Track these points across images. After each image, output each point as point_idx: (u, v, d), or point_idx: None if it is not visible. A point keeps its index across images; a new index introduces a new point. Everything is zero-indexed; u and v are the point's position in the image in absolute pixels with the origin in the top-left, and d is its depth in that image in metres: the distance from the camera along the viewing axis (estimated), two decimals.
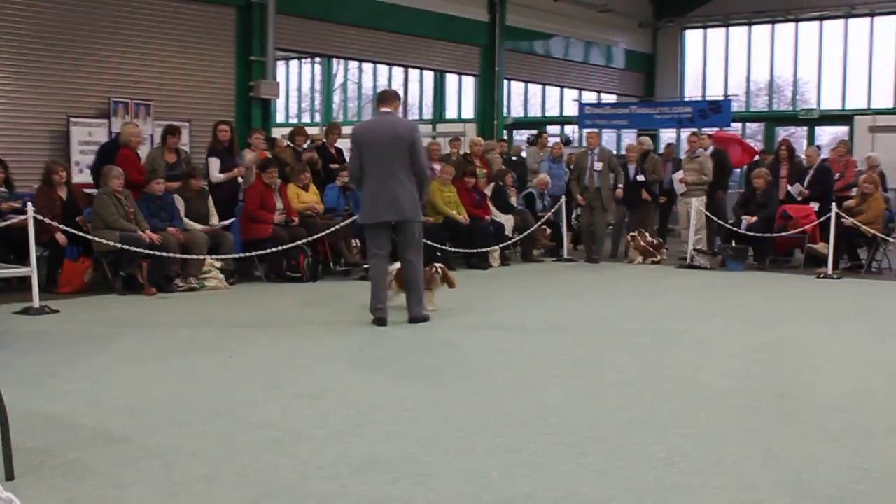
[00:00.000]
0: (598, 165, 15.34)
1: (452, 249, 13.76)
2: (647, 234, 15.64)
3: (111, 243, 10.59)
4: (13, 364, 6.88)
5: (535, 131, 23.03)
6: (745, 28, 26.76)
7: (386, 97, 9.29)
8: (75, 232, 10.73)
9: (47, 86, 13.99)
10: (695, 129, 20.19)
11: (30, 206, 9.98)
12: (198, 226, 11.78)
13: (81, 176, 13.37)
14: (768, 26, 26.38)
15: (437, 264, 10.03)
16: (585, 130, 23.20)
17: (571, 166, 16.50)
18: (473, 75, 22.81)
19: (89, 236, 10.75)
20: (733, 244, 14.79)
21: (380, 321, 8.84)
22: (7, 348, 7.37)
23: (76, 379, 6.65)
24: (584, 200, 15.41)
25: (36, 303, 9.44)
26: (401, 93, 25.77)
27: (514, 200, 15.77)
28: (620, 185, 15.70)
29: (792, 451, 5.07)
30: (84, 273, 11.12)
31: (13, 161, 12.26)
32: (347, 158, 14.28)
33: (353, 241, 13.00)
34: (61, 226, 10.64)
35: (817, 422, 5.72)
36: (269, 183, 12.34)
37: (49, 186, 11.22)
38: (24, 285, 9.94)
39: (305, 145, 14.30)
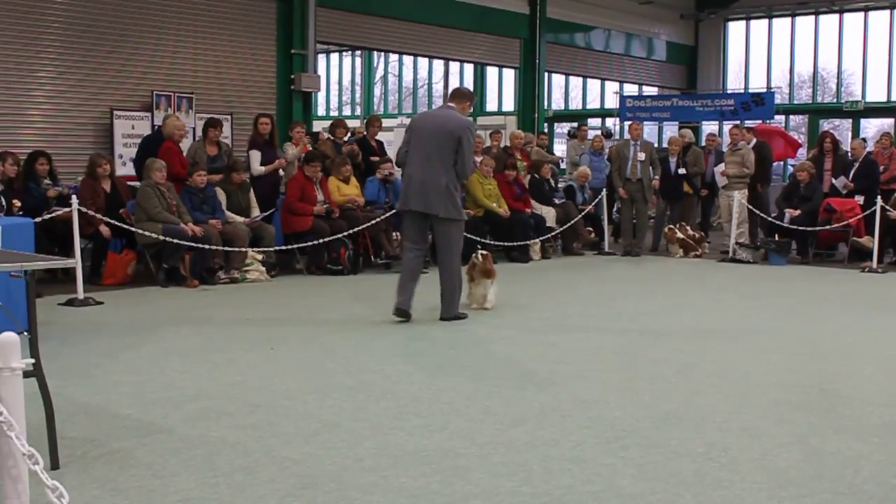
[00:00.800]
0: (641, 156, 15.22)
1: (493, 242, 13.75)
2: (687, 227, 15.56)
3: (154, 235, 10.69)
4: (58, 355, 6.96)
5: (575, 124, 22.95)
6: (789, 19, 26.52)
7: (455, 93, 9.20)
8: (119, 224, 10.85)
9: (91, 79, 14.16)
10: (737, 122, 20.05)
11: (74, 199, 10.09)
12: (239, 218, 11.86)
13: (125, 168, 13.51)
14: (812, 17, 26.14)
15: (481, 251, 9.78)
16: (628, 122, 23.16)
17: (611, 159, 16.42)
18: (514, 68, 22.79)
19: (133, 228, 10.86)
20: (776, 238, 14.68)
21: (398, 312, 8.64)
22: (52, 339, 7.46)
23: (119, 370, 6.72)
24: (627, 193, 15.29)
25: (80, 294, 9.55)
26: (440, 86, 25.87)
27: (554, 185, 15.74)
28: (656, 177, 15.55)
29: (833, 447, 5.03)
30: (127, 265, 11.24)
31: (57, 153, 12.42)
32: (388, 151, 14.37)
33: (394, 233, 13.01)
34: (105, 218, 10.75)
35: (859, 417, 5.67)
36: (310, 176, 12.40)
37: (93, 179, 11.34)
38: (69, 277, 10.07)
39: (346, 138, 14.34)
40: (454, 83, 28.89)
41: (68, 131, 13.86)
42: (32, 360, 4.41)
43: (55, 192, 11.24)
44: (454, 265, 8.87)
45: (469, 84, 29.84)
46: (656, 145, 19.16)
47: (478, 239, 13.15)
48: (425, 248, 9.24)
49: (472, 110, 9.45)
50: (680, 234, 15.28)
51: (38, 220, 9.76)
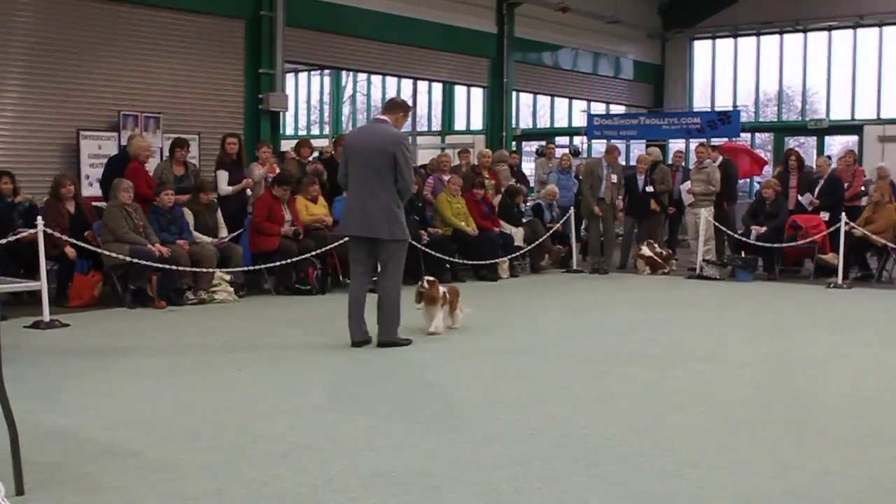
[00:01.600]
0: (614, 178, 15.35)
1: (461, 261, 13.76)
2: (655, 244, 15.63)
3: (121, 257, 10.61)
4: (23, 378, 6.88)
5: (543, 143, 23.03)
6: (754, 38, 26.76)
7: (387, 105, 8.91)
8: (85, 245, 10.76)
9: (57, 98, 14.05)
10: (703, 140, 20.19)
11: (39, 220, 10.00)
12: (207, 238, 11.81)
13: (91, 189, 13.41)
14: (777, 37, 26.37)
15: (427, 279, 9.30)
16: (595, 148, 23.27)
17: (580, 176, 16.49)
18: (482, 87, 22.84)
19: (99, 250, 10.78)
20: (743, 254, 14.78)
21: (356, 345, 8.39)
22: (17, 362, 7.37)
23: (86, 393, 6.66)
24: (602, 211, 15.33)
25: (46, 317, 9.45)
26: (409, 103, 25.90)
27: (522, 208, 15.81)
28: (620, 196, 15.66)
29: (801, 461, 5.06)
30: (94, 287, 11.15)
31: (23, 174, 12.33)
32: None
33: None
34: (70, 239, 10.66)
35: (827, 432, 5.70)
36: (278, 196, 12.36)
37: (57, 200, 11.25)
38: (35, 299, 9.97)
39: (311, 158, 14.31)
40: (422, 102, 28.99)
41: (34, 151, 13.74)
42: None
43: (24, 196, 11.18)
44: (394, 285, 8.53)
45: (437, 103, 29.96)
46: (624, 163, 19.23)
47: (446, 258, 13.19)
48: (371, 271, 8.94)
49: (407, 121, 8.98)
50: (648, 252, 15.34)
51: (3, 241, 9.68)
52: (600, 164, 15.57)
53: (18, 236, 10.28)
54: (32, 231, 9.95)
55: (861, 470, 4.94)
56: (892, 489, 4.67)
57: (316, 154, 14.59)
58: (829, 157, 16.37)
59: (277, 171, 13.15)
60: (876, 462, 5.09)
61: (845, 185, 15.35)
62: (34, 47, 13.78)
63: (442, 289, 9.26)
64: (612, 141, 19.63)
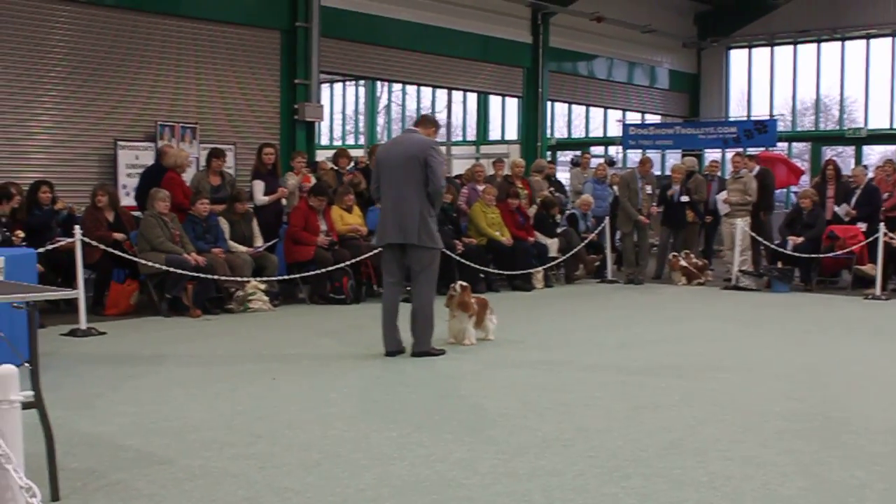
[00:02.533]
0: (648, 188, 15.43)
1: (496, 271, 13.76)
2: (691, 255, 15.57)
3: (157, 265, 10.70)
4: (60, 385, 6.96)
5: (578, 152, 22.99)
6: (791, 47, 26.58)
7: (421, 120, 9.01)
8: (121, 254, 10.84)
9: (95, 109, 14.19)
10: (739, 150, 20.07)
11: (77, 229, 10.09)
12: (242, 248, 11.88)
13: (128, 199, 13.53)
14: (814, 45, 26.18)
15: (460, 283, 9.39)
16: (631, 158, 23.19)
17: (615, 187, 16.48)
18: (517, 97, 22.84)
19: (135, 258, 10.87)
20: (779, 265, 14.67)
21: (389, 354, 8.49)
22: (54, 370, 7.45)
23: (121, 400, 6.72)
24: (648, 219, 15.40)
25: (83, 325, 9.55)
26: (443, 115, 25.96)
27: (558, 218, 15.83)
28: (654, 205, 15.74)
29: (836, 475, 5.01)
30: (130, 295, 11.25)
31: (61, 184, 12.46)
32: None
33: None
34: (108, 248, 10.73)
35: (862, 445, 5.65)
36: (314, 206, 12.42)
37: (97, 209, 11.37)
38: (72, 307, 10.07)
39: (349, 167, 14.37)
40: (457, 112, 29.03)
41: (72, 162, 13.88)
42: (32, 393, 4.41)
43: (63, 204, 11.31)
44: (427, 296, 8.59)
45: (472, 113, 29.98)
46: (658, 173, 19.18)
47: (480, 268, 13.18)
48: (403, 281, 8.99)
49: (437, 138, 9.04)
50: (683, 262, 15.28)
51: (42, 250, 9.78)
52: (634, 175, 15.56)
53: (57, 245, 10.38)
54: (70, 240, 10.05)
55: None
56: None
57: (352, 164, 14.64)
58: (865, 167, 16.21)
59: (312, 180, 13.22)
60: None
61: (885, 195, 15.21)
62: (73, 58, 13.93)
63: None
64: (647, 151, 19.58)
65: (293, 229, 12.40)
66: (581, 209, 16.44)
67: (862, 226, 14.37)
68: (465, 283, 9.34)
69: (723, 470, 5.08)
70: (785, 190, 23.77)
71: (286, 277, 12.14)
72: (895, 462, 5.29)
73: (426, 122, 8.90)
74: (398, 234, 8.47)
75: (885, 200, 15.10)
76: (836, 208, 14.85)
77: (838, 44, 25.76)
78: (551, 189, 16.68)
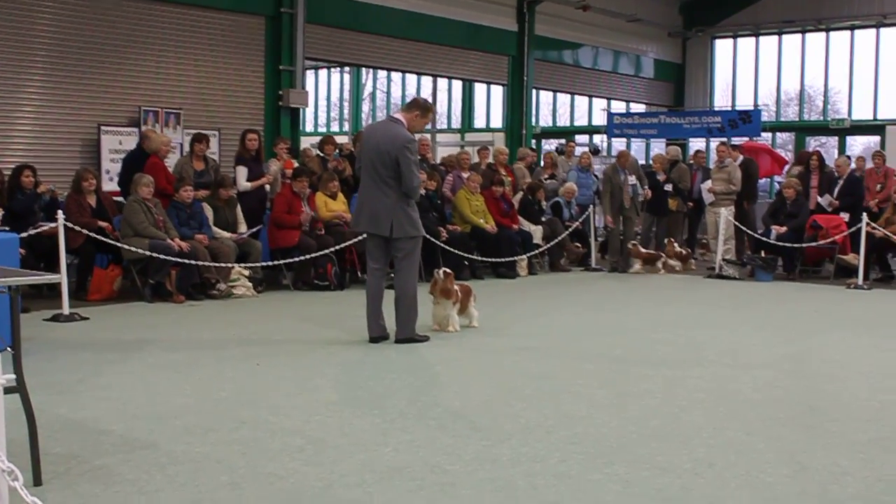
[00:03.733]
0: (632, 179, 15.43)
1: (480, 258, 13.76)
2: (675, 242, 15.63)
3: (140, 251, 10.66)
4: (42, 370, 6.93)
5: (563, 141, 22.98)
6: (776, 37, 26.64)
7: (406, 104, 8.86)
8: (104, 240, 10.81)
9: (78, 94, 14.13)
10: (724, 139, 20.12)
11: (60, 214, 10.04)
12: (226, 234, 11.85)
13: (111, 184, 13.47)
14: (799, 35, 26.24)
15: (443, 269, 9.31)
16: (615, 146, 23.22)
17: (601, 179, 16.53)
18: (502, 85, 22.82)
19: (119, 244, 10.82)
20: (763, 254, 14.73)
21: (374, 340, 8.48)
22: (36, 355, 7.43)
23: (104, 386, 6.69)
24: (614, 223, 15.41)
25: (66, 310, 9.52)
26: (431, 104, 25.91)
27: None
28: (646, 188, 15.74)
29: (819, 463, 5.03)
30: (113, 281, 11.20)
31: (44, 169, 12.38)
32: None
33: None
34: (91, 233, 10.69)
35: (845, 433, 5.67)
36: (297, 191, 12.39)
37: (79, 194, 11.30)
38: (55, 292, 10.04)
39: (334, 154, 14.35)
40: (442, 100, 29.00)
41: (55, 147, 13.82)
42: (14, 376, 4.39)
43: (46, 187, 11.25)
44: (410, 282, 8.52)
45: (457, 101, 29.93)
46: (642, 163, 19.19)
47: (465, 255, 13.19)
48: (387, 267, 8.96)
49: (427, 123, 8.93)
50: (643, 249, 15.35)
51: (24, 235, 9.73)
52: (616, 169, 15.57)
53: (39, 230, 10.33)
54: (53, 225, 10.00)
55: (878, 472, 4.91)
56: None
57: (337, 151, 14.61)
58: (848, 157, 16.28)
59: (295, 165, 13.19)
60: (894, 464, 5.06)
61: (878, 186, 15.28)
62: (56, 43, 13.86)
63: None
64: (632, 140, 19.60)
65: (276, 214, 12.36)
66: (565, 197, 16.43)
67: (845, 216, 14.44)
68: (448, 270, 9.29)
69: (706, 457, 5.10)
70: (769, 179, 23.84)
71: (270, 264, 12.11)
72: (877, 450, 5.31)
73: (411, 106, 8.74)
74: (371, 224, 8.45)
75: (877, 192, 15.18)
76: (820, 199, 14.91)
77: (823, 34, 25.83)
78: (544, 176, 16.73)
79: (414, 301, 8.53)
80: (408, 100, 17.30)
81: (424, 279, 10.18)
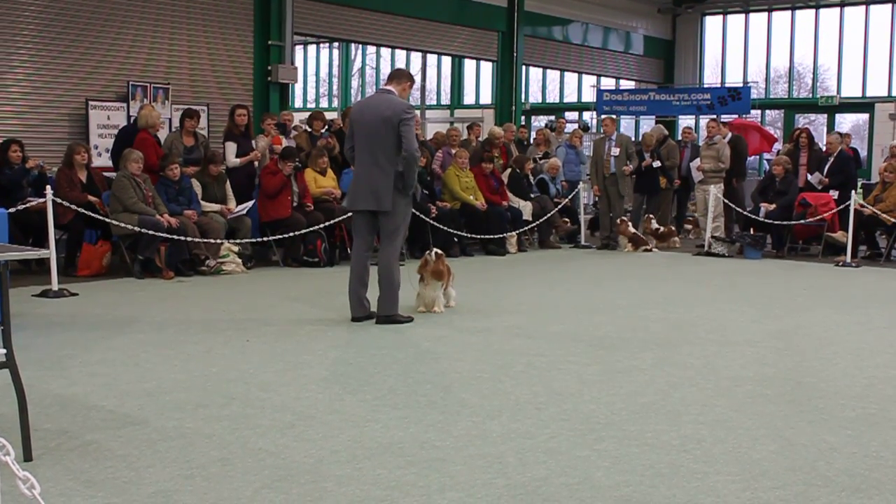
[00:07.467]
0: (615, 151, 15.23)
1: (469, 235, 13.76)
2: (653, 219, 15.60)
3: (130, 227, 10.64)
4: (31, 346, 6.93)
5: (553, 117, 22.96)
6: (765, 14, 26.64)
7: (392, 75, 8.75)
8: (93, 215, 10.78)
9: (66, 69, 14.07)
10: (713, 116, 20.12)
11: (49, 190, 10.00)
12: (215, 206, 11.82)
13: (100, 160, 13.43)
14: (788, 13, 26.25)
15: (435, 251, 9.13)
16: (602, 116, 23.17)
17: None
18: (492, 61, 22.78)
19: (108, 219, 10.79)
20: (751, 232, 14.76)
21: (355, 319, 8.39)
22: (25, 330, 7.42)
23: (94, 361, 6.69)
24: (599, 191, 15.35)
25: (54, 285, 9.50)
26: (418, 79, 25.85)
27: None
28: (629, 164, 15.45)
29: (806, 439, 5.06)
30: (102, 256, 11.17)
31: (32, 144, 12.34)
32: None
33: None
34: (81, 209, 10.65)
35: (832, 410, 5.70)
36: (282, 169, 12.25)
37: (70, 168, 11.26)
38: (43, 268, 10.02)
39: (323, 130, 14.30)
40: (432, 76, 28.91)
41: (44, 122, 13.78)
42: (4, 351, 4.39)
43: (34, 162, 11.21)
44: (392, 256, 8.48)
45: (446, 77, 29.86)
46: (633, 139, 19.16)
47: (454, 232, 13.19)
48: (373, 244, 8.84)
49: (411, 91, 8.86)
50: (632, 229, 15.25)
51: (12, 210, 9.70)
52: (603, 141, 15.46)
53: (28, 205, 10.29)
54: (42, 200, 9.96)
55: (865, 448, 4.95)
56: None
57: (326, 128, 14.57)
58: (840, 134, 16.29)
59: (284, 142, 13.14)
60: (881, 440, 5.09)
61: None
62: (44, 18, 13.78)
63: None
64: (621, 117, 19.52)
65: (266, 184, 12.23)
66: (549, 173, 16.39)
67: (834, 194, 14.46)
68: (439, 252, 9.19)
69: (694, 433, 5.13)
70: (758, 157, 23.88)
71: (260, 240, 12.09)
72: (864, 426, 5.35)
73: (399, 76, 8.67)
74: (371, 200, 8.34)
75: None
76: (809, 176, 14.93)
77: (812, 11, 25.84)
78: (538, 155, 16.72)
79: (394, 276, 8.42)
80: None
81: (410, 257, 10.14)
